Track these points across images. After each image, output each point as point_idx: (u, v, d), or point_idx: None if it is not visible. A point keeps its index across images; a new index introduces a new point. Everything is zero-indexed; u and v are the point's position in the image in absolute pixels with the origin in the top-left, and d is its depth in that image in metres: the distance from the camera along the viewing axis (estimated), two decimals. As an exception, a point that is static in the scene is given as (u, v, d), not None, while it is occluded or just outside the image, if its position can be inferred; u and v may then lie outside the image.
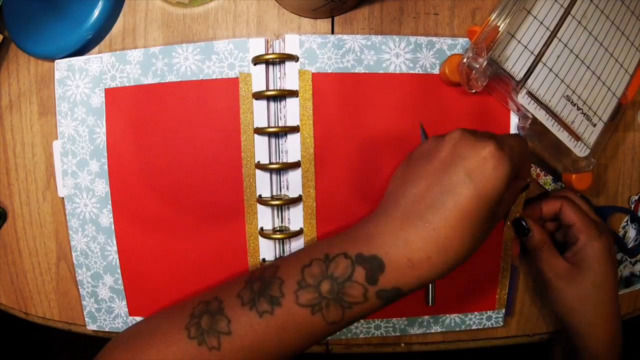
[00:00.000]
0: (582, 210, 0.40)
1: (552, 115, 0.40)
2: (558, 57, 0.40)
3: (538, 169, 0.44)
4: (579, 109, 0.41)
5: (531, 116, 0.40)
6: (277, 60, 0.40)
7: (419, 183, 0.32)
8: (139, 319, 0.45)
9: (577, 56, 0.40)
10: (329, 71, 0.40)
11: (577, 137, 0.41)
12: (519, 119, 0.42)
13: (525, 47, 0.39)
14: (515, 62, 0.39)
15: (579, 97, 0.41)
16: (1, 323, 0.57)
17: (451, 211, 0.30)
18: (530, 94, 0.39)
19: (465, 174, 0.30)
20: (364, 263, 0.31)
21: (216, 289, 0.35)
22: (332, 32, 0.43)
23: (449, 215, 0.30)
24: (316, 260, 0.32)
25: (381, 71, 0.41)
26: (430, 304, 0.43)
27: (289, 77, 0.40)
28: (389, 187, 0.36)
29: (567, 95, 0.40)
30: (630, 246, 0.48)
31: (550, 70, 0.40)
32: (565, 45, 0.40)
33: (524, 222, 0.41)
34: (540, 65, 0.39)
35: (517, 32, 0.39)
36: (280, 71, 0.41)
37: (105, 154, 0.43)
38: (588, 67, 0.41)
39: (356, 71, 0.40)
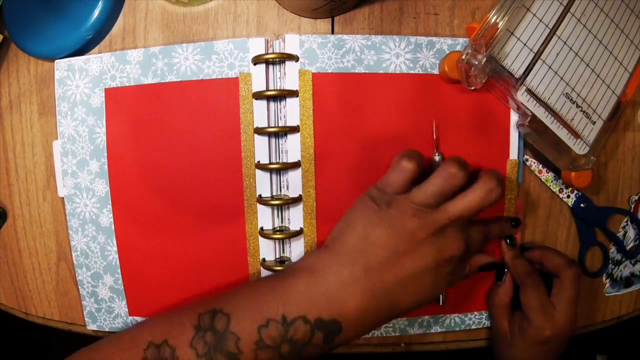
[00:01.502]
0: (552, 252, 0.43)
1: (551, 112, 0.40)
2: (557, 54, 0.40)
3: (540, 166, 0.44)
4: (578, 106, 0.41)
5: (530, 113, 0.40)
6: (277, 60, 0.40)
7: (386, 243, 0.34)
8: (139, 318, 0.45)
9: (576, 54, 0.40)
10: (329, 71, 0.40)
11: (576, 135, 0.41)
12: (519, 117, 0.42)
13: (525, 44, 0.39)
14: (515, 60, 0.39)
15: (578, 94, 0.41)
16: (1, 323, 0.57)
17: (407, 273, 0.34)
18: (529, 91, 0.39)
19: (431, 248, 0.34)
20: (323, 328, 0.32)
21: (163, 323, 0.35)
22: (332, 32, 0.43)
23: (404, 276, 0.34)
24: (273, 322, 0.32)
25: (381, 71, 0.41)
26: (441, 303, 0.43)
27: (289, 77, 0.40)
28: (346, 219, 0.37)
29: (566, 93, 0.40)
30: (630, 246, 0.48)
31: (550, 67, 0.40)
32: (565, 43, 0.40)
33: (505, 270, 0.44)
34: (539, 62, 0.39)
35: (516, 29, 0.39)
36: (280, 71, 0.41)
37: (105, 154, 0.43)
38: (587, 65, 0.41)
39: (356, 71, 0.40)
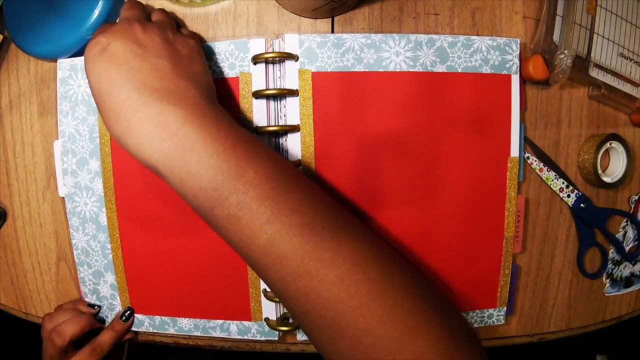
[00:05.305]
0: None
1: (614, 74, 0.44)
2: (604, 22, 0.43)
3: (541, 164, 0.44)
4: (631, 60, 0.46)
5: (602, 84, 0.44)
6: (277, 59, 0.40)
7: None
8: (140, 316, 0.45)
9: (618, 16, 0.44)
10: (329, 70, 0.40)
11: (636, 85, 0.46)
12: (590, 88, 0.45)
13: (580, 25, 0.42)
14: (578, 42, 0.42)
15: (630, 51, 0.45)
16: (1, 323, 0.57)
17: None
18: (597, 65, 0.43)
19: None
20: None
21: None
22: (332, 32, 0.43)
23: None
24: None
25: (381, 69, 0.41)
26: None
27: (289, 76, 0.40)
28: None
29: (620, 53, 0.44)
30: (629, 247, 0.48)
31: (604, 37, 0.43)
32: (607, 10, 0.43)
33: None
34: (595, 36, 0.43)
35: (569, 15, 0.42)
36: (280, 70, 0.41)
37: (106, 153, 0.43)
38: (631, 23, 0.45)
39: (356, 70, 0.40)
